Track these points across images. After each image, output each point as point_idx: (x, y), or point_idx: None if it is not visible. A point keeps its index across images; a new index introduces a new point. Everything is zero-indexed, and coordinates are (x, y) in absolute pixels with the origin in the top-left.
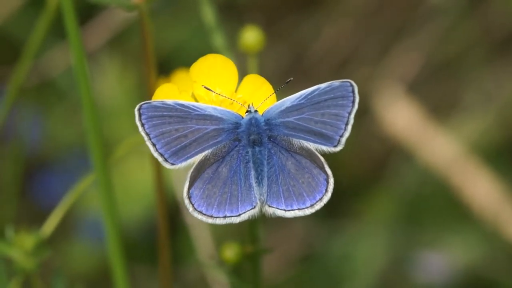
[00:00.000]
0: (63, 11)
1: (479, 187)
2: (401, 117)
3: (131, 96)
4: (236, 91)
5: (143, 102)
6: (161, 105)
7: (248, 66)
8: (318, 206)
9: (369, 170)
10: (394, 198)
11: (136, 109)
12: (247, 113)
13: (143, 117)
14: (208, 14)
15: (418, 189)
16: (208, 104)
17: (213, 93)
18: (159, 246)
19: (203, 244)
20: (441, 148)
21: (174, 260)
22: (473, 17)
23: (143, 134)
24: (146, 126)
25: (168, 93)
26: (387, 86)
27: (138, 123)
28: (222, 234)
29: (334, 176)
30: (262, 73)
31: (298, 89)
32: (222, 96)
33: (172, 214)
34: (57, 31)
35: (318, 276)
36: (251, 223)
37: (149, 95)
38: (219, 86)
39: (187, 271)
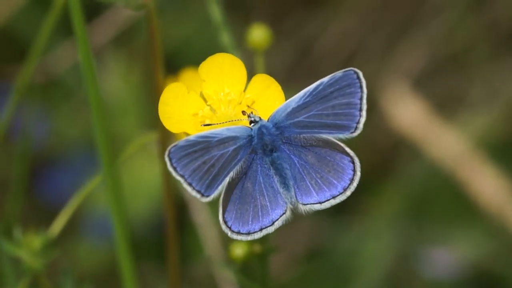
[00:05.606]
0: (70, 9)
1: (485, 182)
2: (408, 112)
3: (136, 93)
4: (244, 90)
5: (170, 147)
6: (185, 143)
7: (254, 63)
8: (352, 187)
9: (375, 165)
10: (401, 193)
11: (165, 156)
12: (252, 124)
13: (173, 161)
14: (216, 13)
15: (424, 184)
16: (220, 118)
17: (221, 93)
18: (167, 244)
19: (211, 242)
20: (447, 143)
21: (182, 258)
22: (479, 11)
23: (177, 177)
24: (178, 169)
25: (177, 92)
26: (393, 82)
27: (171, 169)
28: None
29: None
30: (267, 70)
31: (304, 85)
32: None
33: (180, 211)
34: (62, 28)
35: (326, 273)
36: None
37: (157, 93)
38: (227, 85)
39: (195, 269)
